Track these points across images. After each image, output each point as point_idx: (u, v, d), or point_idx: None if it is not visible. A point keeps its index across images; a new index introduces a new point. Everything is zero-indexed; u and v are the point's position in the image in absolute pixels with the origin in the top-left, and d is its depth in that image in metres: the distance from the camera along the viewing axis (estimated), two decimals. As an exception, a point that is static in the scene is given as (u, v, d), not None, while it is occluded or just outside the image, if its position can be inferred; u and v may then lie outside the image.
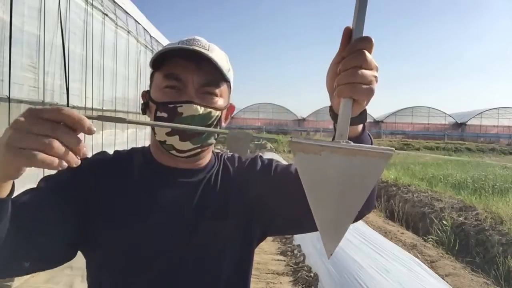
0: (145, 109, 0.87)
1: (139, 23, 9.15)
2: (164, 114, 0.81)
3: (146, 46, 9.72)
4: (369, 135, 0.76)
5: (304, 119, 37.67)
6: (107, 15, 6.92)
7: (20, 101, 4.34)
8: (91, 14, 6.24)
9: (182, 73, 0.82)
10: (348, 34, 0.58)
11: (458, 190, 8.13)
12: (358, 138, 0.72)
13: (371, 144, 0.74)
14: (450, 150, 24.12)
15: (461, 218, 5.96)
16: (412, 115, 36.24)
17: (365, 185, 0.56)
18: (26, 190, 0.75)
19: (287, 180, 0.86)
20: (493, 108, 35.25)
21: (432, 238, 5.54)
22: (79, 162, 0.52)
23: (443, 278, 3.70)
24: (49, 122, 0.49)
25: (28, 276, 3.41)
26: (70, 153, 0.51)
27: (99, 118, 0.53)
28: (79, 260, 0.86)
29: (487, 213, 5.84)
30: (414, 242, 5.30)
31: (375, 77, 0.59)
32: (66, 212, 0.77)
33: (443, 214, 6.15)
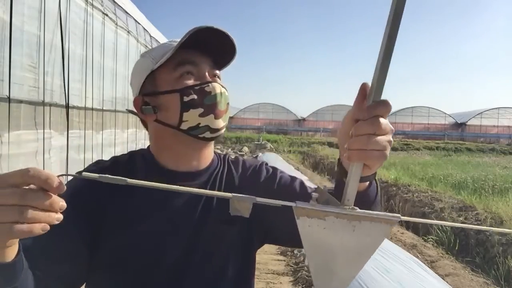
0: (154, 110, 0.85)
1: (139, 23, 9.14)
2: (194, 96, 0.82)
3: (146, 46, 9.71)
4: (376, 186, 0.74)
5: (304, 119, 37.62)
6: (107, 15, 6.92)
7: (20, 101, 4.33)
8: (91, 14, 6.24)
9: (193, 56, 0.84)
10: (364, 91, 0.55)
11: (458, 190, 8.13)
12: (363, 192, 0.70)
13: (377, 194, 0.73)
14: (450, 150, 24.09)
15: (461, 218, 5.96)
16: (412, 115, 36.18)
17: (368, 250, 0.56)
18: None
19: (289, 196, 0.85)
20: (493, 108, 35.19)
21: (432, 238, 5.54)
22: (61, 217, 0.51)
23: (443, 278, 3.69)
24: (15, 190, 0.48)
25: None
26: (48, 213, 0.49)
27: (100, 178, 0.52)
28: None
29: (487, 213, 5.85)
30: (414, 242, 5.30)
31: (389, 141, 0.57)
32: (76, 239, 0.78)
33: (443, 214, 6.15)
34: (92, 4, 6.22)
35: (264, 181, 0.93)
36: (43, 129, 4.78)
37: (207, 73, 0.85)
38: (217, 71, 0.88)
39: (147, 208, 0.83)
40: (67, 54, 5.28)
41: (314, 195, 0.58)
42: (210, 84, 0.83)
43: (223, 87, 0.85)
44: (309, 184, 0.95)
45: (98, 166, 0.89)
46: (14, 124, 4.22)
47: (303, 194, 0.88)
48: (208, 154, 0.91)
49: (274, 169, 0.97)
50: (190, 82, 0.83)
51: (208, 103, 0.82)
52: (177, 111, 0.82)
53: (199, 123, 0.82)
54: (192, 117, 0.82)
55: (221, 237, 0.85)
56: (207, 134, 0.84)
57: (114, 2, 7.35)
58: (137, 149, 0.97)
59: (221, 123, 0.84)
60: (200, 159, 0.90)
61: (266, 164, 0.98)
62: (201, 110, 0.81)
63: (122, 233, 0.81)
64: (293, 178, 0.94)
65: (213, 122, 0.83)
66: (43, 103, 4.76)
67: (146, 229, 0.82)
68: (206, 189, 0.88)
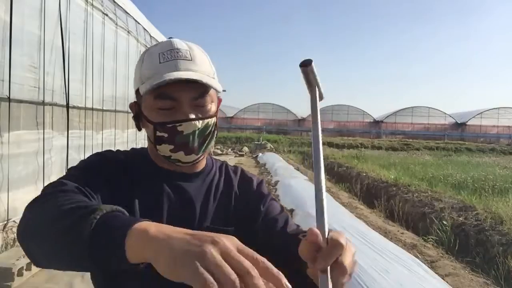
0: (138, 123, 0.88)
1: (139, 23, 9.15)
2: (165, 134, 0.82)
3: (146, 46, 9.72)
4: None
5: (304, 119, 37.59)
6: (107, 15, 6.92)
7: (20, 101, 4.34)
8: (91, 14, 6.24)
9: (173, 91, 0.81)
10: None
11: (458, 190, 8.14)
12: None
13: None
14: (450, 150, 24.10)
15: (461, 218, 5.96)
16: (412, 115, 36.18)
17: None
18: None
19: (268, 227, 0.89)
20: (493, 108, 35.19)
21: (432, 238, 5.54)
22: None
23: (443, 278, 3.70)
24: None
25: (28, 276, 3.41)
26: None
27: None
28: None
29: (487, 213, 5.85)
30: (414, 242, 5.30)
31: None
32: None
33: (443, 214, 6.15)
34: (92, 4, 6.22)
35: (255, 197, 0.95)
36: (43, 129, 4.78)
37: (187, 107, 0.82)
38: (203, 101, 0.84)
39: (142, 209, 0.84)
40: (67, 54, 5.28)
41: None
42: (183, 124, 0.81)
43: (204, 119, 0.84)
44: (293, 223, 0.92)
45: (109, 153, 0.91)
46: (14, 124, 4.22)
47: (281, 230, 0.88)
48: (199, 164, 0.92)
49: (269, 193, 0.99)
50: (165, 117, 0.82)
51: (179, 142, 0.83)
52: (152, 139, 0.85)
53: (170, 156, 0.84)
54: (164, 150, 0.84)
55: None
56: (180, 164, 0.86)
57: (114, 2, 7.35)
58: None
59: (193, 157, 0.85)
60: (189, 170, 0.91)
61: (264, 183, 1.01)
62: (171, 146, 0.83)
63: None
64: (281, 210, 0.94)
65: (183, 158, 0.84)
66: (43, 103, 4.77)
67: None
68: (203, 190, 0.91)
